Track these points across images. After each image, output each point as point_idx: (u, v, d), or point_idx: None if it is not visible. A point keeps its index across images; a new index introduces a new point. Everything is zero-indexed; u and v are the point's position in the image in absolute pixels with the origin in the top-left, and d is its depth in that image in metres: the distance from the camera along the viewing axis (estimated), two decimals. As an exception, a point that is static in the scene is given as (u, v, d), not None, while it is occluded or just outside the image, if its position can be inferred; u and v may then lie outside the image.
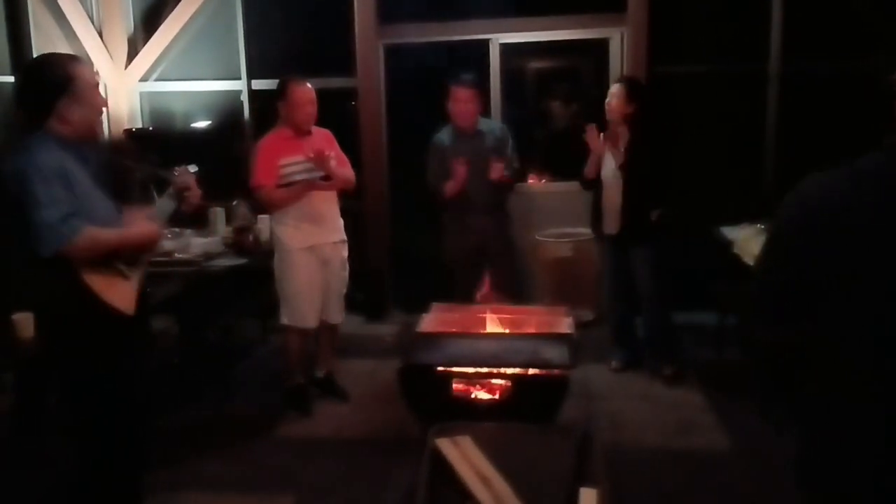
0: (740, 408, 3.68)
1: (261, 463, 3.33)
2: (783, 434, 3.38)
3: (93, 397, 2.38)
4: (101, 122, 2.45)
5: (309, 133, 3.73)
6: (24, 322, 2.78)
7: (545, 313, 3.53)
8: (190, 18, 5.37)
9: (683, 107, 5.00)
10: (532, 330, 3.33)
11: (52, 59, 2.41)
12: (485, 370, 3.00)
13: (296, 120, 3.65)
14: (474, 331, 3.36)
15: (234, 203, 4.33)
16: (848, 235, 1.41)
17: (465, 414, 2.82)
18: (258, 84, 5.44)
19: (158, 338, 4.37)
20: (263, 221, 4.32)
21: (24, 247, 2.20)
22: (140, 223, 2.47)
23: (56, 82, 2.26)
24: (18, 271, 2.39)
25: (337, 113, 3.96)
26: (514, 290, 4.10)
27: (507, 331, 3.36)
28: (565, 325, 3.30)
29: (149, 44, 5.45)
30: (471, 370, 3.01)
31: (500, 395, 3.02)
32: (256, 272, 4.18)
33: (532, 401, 2.94)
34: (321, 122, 3.78)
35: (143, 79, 5.55)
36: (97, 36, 5.39)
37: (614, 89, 4.02)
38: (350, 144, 3.98)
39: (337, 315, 3.91)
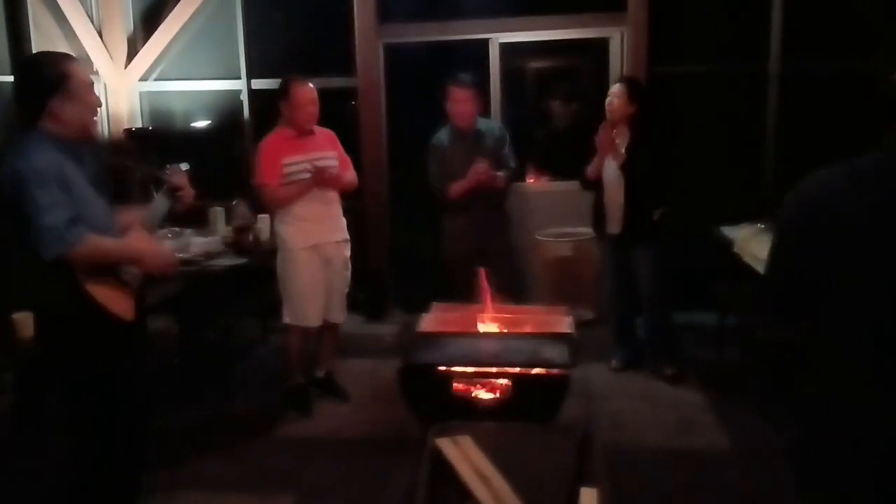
0: (740, 408, 3.68)
1: (261, 463, 3.32)
2: (783, 434, 3.38)
3: (92, 397, 2.38)
4: (96, 122, 2.43)
5: (311, 132, 3.73)
6: (24, 322, 2.78)
7: (545, 313, 3.53)
8: (190, 18, 5.37)
9: (683, 107, 5.00)
10: (532, 330, 3.33)
11: (46, 58, 2.41)
12: (485, 370, 3.00)
13: (298, 120, 3.65)
14: (474, 330, 3.36)
15: (234, 203, 4.33)
16: (847, 235, 1.41)
17: (466, 414, 2.82)
18: (258, 84, 5.44)
19: (158, 338, 4.37)
20: (263, 221, 4.32)
21: (23, 248, 2.19)
22: (143, 239, 2.46)
23: (50, 80, 2.25)
24: (18, 272, 2.38)
25: (337, 113, 3.95)
26: (514, 290, 4.10)
27: (507, 330, 3.36)
28: (565, 324, 3.30)
29: (148, 43, 5.45)
30: (471, 370, 3.01)
31: (501, 395, 3.01)
32: (256, 272, 4.19)
33: (532, 400, 2.94)
34: (321, 121, 3.78)
35: (143, 78, 5.55)
36: (97, 35, 5.39)
37: (615, 89, 4.02)
38: (350, 144, 3.98)
39: (339, 314, 3.92)
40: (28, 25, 4.97)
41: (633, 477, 3.00)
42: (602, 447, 2.26)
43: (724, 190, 4.82)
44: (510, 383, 2.99)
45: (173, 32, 5.40)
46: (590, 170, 4.09)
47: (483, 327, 3.39)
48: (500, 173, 4.07)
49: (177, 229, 4.18)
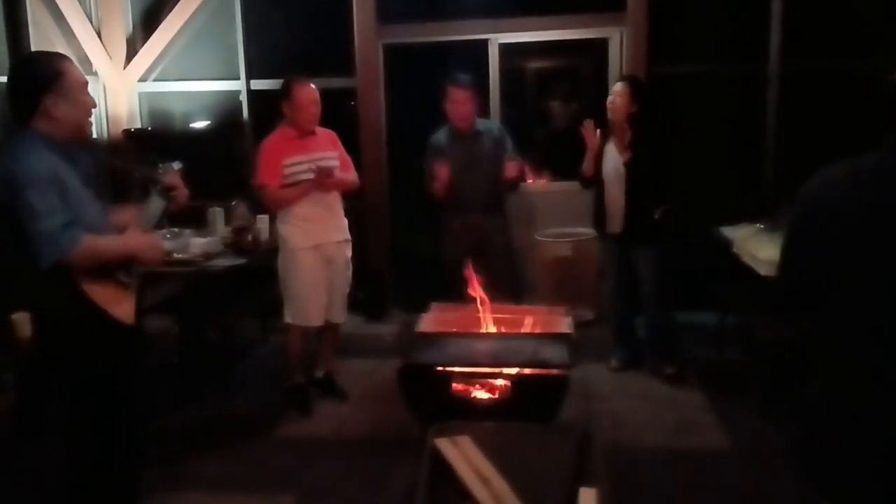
0: (740, 408, 3.68)
1: (261, 463, 3.32)
2: (784, 434, 3.38)
3: (91, 398, 2.38)
4: (90, 123, 2.41)
5: (313, 133, 3.74)
6: (24, 322, 2.77)
7: (545, 313, 3.53)
8: (189, 18, 5.37)
9: (683, 107, 5.00)
10: (532, 330, 3.33)
11: (40, 56, 2.41)
12: (484, 370, 3.00)
13: (300, 120, 3.66)
14: (474, 331, 3.36)
15: (233, 203, 4.33)
16: (846, 235, 1.41)
17: (465, 414, 2.82)
18: (257, 84, 5.44)
19: (158, 338, 4.37)
20: (262, 221, 4.32)
21: (20, 251, 2.18)
22: (139, 234, 2.45)
23: (44, 78, 2.23)
24: (15, 275, 2.37)
25: (336, 113, 3.95)
26: (513, 291, 4.10)
27: (507, 331, 3.36)
28: (565, 324, 3.30)
29: (148, 44, 5.45)
30: (470, 370, 3.01)
31: (500, 395, 3.02)
32: (256, 272, 4.19)
33: (532, 400, 2.94)
34: (321, 122, 3.78)
35: (142, 79, 5.55)
36: (96, 36, 5.39)
37: (618, 88, 4.01)
38: (350, 144, 3.99)
39: (340, 314, 3.92)
40: (27, 25, 4.97)
41: (633, 477, 3.00)
42: (601, 447, 2.26)
43: (723, 190, 4.82)
44: (509, 383, 2.99)
45: (172, 33, 5.40)
46: (584, 166, 4.09)
47: (482, 327, 3.39)
48: (516, 163, 4.08)
49: (176, 229, 4.18)
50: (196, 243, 4.04)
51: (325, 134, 3.82)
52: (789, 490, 2.95)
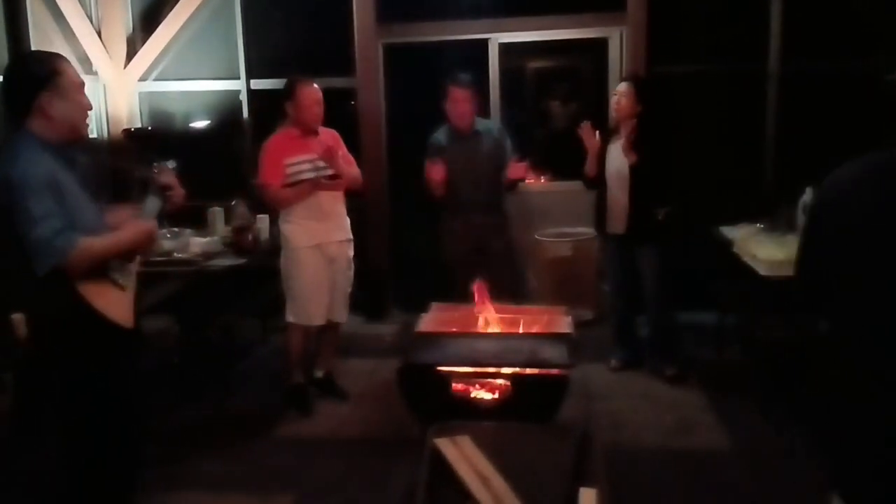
0: (740, 408, 3.68)
1: (260, 463, 3.32)
2: (783, 434, 3.38)
3: (85, 397, 2.37)
4: (86, 125, 2.40)
5: (315, 133, 3.75)
6: (22, 322, 2.77)
7: (545, 313, 3.53)
8: (189, 18, 5.37)
9: (683, 107, 4.99)
10: (531, 330, 3.33)
11: (37, 55, 2.40)
12: (484, 370, 3.00)
13: (303, 120, 3.67)
14: (474, 331, 3.36)
15: (233, 203, 4.33)
16: (848, 234, 1.42)
17: (465, 414, 2.82)
18: (257, 84, 5.44)
19: (158, 338, 4.37)
20: (262, 221, 4.32)
21: (16, 253, 2.17)
22: (130, 224, 2.43)
23: (39, 76, 2.22)
24: (12, 276, 2.36)
25: (336, 113, 3.95)
26: (513, 290, 4.10)
27: (507, 330, 3.36)
28: (565, 324, 3.30)
29: (148, 43, 5.45)
30: (470, 370, 3.01)
31: (500, 395, 3.01)
32: (256, 272, 4.19)
33: (531, 400, 2.94)
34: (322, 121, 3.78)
35: (143, 78, 5.55)
36: (96, 36, 5.38)
37: (622, 88, 3.99)
38: (349, 144, 3.99)
39: (342, 314, 3.92)
40: (27, 25, 4.96)
41: (633, 477, 3.00)
42: (601, 447, 2.26)
43: (723, 190, 4.82)
44: (509, 383, 2.99)
45: (172, 32, 5.40)
46: (586, 167, 4.08)
47: (482, 327, 3.39)
48: (520, 163, 4.10)
49: (176, 229, 4.18)
50: (196, 243, 4.05)
51: (327, 133, 3.83)
52: (789, 490, 2.95)
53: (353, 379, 4.15)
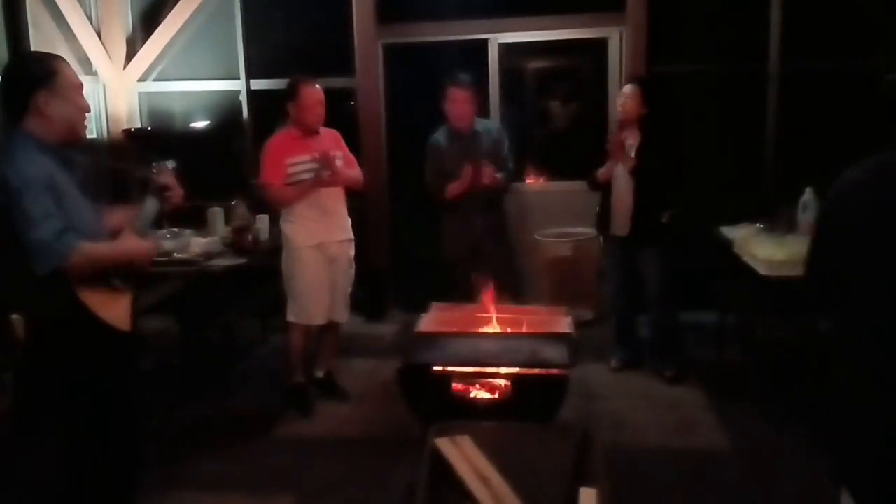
0: (740, 408, 3.68)
1: (260, 463, 3.32)
2: (783, 434, 3.38)
3: (84, 399, 2.36)
4: (84, 126, 2.39)
5: (317, 133, 3.75)
6: (22, 322, 2.76)
7: (544, 313, 3.53)
8: (189, 18, 5.37)
9: (683, 107, 4.99)
10: (531, 330, 3.33)
11: (35, 55, 2.40)
12: (484, 370, 3.00)
13: (305, 120, 3.67)
14: (473, 331, 3.36)
15: (233, 203, 4.33)
16: (848, 235, 1.42)
17: (465, 413, 2.82)
18: (257, 84, 5.44)
19: (158, 338, 4.37)
20: (262, 221, 4.33)
21: (15, 255, 2.17)
22: (132, 239, 2.43)
23: (36, 75, 2.22)
24: (10, 278, 2.35)
25: (336, 113, 3.96)
26: (511, 289, 4.10)
27: (507, 330, 3.36)
28: (565, 324, 3.30)
29: (147, 44, 5.45)
30: (470, 370, 3.01)
31: (500, 395, 3.01)
32: (256, 272, 4.19)
33: (531, 400, 2.94)
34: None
35: (142, 79, 5.55)
36: (96, 36, 5.38)
37: (628, 90, 3.97)
38: (349, 144, 3.99)
39: (342, 314, 3.93)
40: (27, 26, 4.96)
41: (633, 477, 2.99)
42: (601, 447, 2.26)
43: (723, 190, 4.82)
44: (509, 383, 2.99)
45: (172, 33, 5.40)
46: (602, 173, 4.04)
47: (482, 327, 3.39)
48: (498, 175, 4.05)
49: (176, 229, 4.19)
50: (196, 243, 4.05)
51: (329, 133, 3.84)
52: (789, 490, 2.95)
53: (353, 379, 4.15)
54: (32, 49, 4.95)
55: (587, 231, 4.91)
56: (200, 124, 5.73)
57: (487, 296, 3.50)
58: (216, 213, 4.42)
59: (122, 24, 5.50)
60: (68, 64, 2.32)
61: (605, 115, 5.16)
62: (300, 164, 3.66)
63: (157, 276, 3.73)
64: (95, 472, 2.43)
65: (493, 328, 3.38)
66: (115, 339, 2.36)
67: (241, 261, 4.01)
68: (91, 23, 5.38)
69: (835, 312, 1.48)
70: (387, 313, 5.37)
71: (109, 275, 2.34)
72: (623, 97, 3.98)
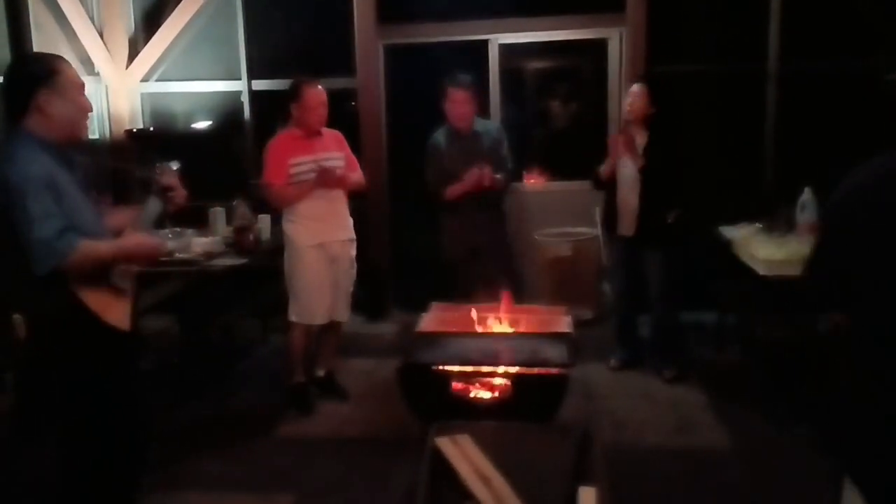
0: (740, 407, 3.69)
1: (260, 463, 3.33)
2: (783, 434, 3.38)
3: (84, 400, 2.37)
4: (86, 126, 2.40)
5: (319, 134, 3.76)
6: (22, 322, 2.77)
7: (544, 312, 3.54)
8: (191, 19, 5.37)
9: (682, 107, 5.00)
10: (531, 329, 3.33)
11: (37, 55, 2.41)
12: (484, 369, 3.01)
13: (308, 121, 3.68)
14: (474, 330, 3.36)
15: (235, 203, 4.33)
16: (850, 236, 1.42)
17: (465, 413, 2.82)
18: (258, 84, 5.45)
19: (158, 338, 4.38)
20: (263, 221, 4.33)
21: (15, 254, 2.17)
22: (136, 236, 2.43)
23: (38, 74, 2.22)
24: (10, 278, 2.36)
25: (337, 113, 3.97)
26: (511, 288, 4.10)
27: (507, 330, 3.36)
28: (565, 324, 3.31)
29: (149, 44, 5.45)
30: (470, 369, 3.01)
31: (500, 394, 3.02)
32: (256, 272, 4.19)
33: (531, 400, 2.94)
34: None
35: (144, 79, 5.55)
36: (98, 36, 5.39)
37: (636, 90, 3.96)
38: (350, 145, 4.00)
39: (344, 313, 3.93)
40: (29, 26, 4.98)
41: (633, 476, 3.00)
42: (601, 446, 2.27)
43: (723, 190, 4.82)
44: (509, 383, 2.99)
45: (174, 33, 5.40)
46: (603, 170, 4.04)
47: (482, 327, 3.39)
48: (497, 176, 4.06)
49: (178, 229, 4.19)
50: (197, 243, 4.06)
51: (331, 134, 3.84)
52: (789, 490, 2.96)
53: (353, 379, 4.15)
54: (35, 49, 4.97)
55: (587, 231, 4.91)
56: (202, 125, 5.74)
57: (487, 296, 3.50)
58: (218, 213, 4.43)
59: (124, 24, 5.51)
60: (70, 64, 2.32)
61: (605, 115, 5.17)
62: (302, 164, 3.67)
63: (157, 276, 3.74)
64: (95, 473, 2.43)
65: (493, 328, 3.38)
66: (116, 339, 2.36)
67: (243, 261, 4.02)
68: (93, 23, 5.40)
69: (849, 310, 1.48)
70: (387, 313, 5.37)
71: (110, 274, 2.35)
72: (631, 96, 3.97)
